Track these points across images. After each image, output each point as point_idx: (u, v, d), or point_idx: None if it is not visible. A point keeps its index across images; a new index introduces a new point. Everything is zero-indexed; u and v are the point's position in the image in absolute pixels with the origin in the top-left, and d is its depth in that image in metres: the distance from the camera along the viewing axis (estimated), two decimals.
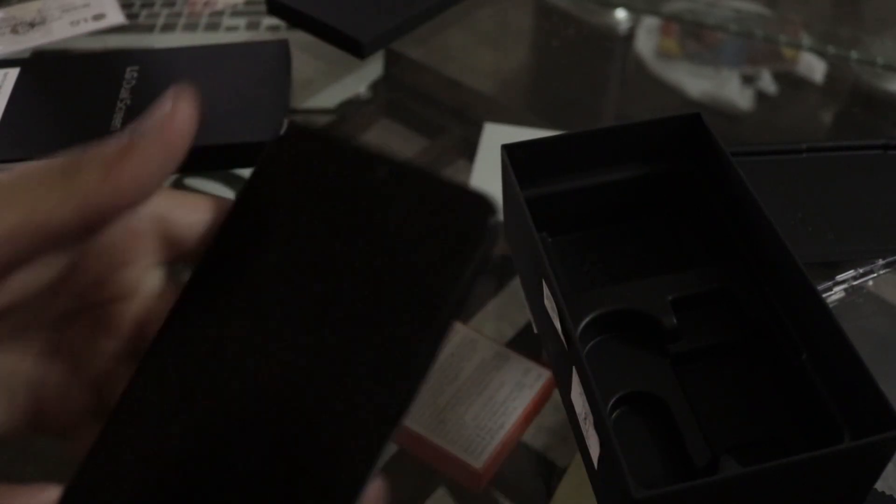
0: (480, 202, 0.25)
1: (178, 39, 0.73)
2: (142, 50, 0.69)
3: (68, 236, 0.24)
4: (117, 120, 0.58)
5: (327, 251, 0.26)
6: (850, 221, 0.51)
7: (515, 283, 0.54)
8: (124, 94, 0.60)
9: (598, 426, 0.33)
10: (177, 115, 0.24)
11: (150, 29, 0.74)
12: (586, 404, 0.35)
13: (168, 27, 0.74)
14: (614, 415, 0.39)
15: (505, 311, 0.53)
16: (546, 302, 0.39)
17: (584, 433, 0.36)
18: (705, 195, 0.46)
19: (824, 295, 0.48)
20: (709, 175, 0.46)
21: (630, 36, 0.76)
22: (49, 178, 0.24)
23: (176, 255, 0.27)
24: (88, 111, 0.59)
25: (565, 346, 0.37)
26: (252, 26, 0.74)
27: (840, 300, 0.49)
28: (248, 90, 0.61)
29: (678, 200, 0.48)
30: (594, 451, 0.34)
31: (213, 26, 0.74)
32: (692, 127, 0.46)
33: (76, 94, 0.61)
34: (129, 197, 0.24)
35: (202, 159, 0.57)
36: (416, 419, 0.45)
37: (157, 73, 0.62)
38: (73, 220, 0.24)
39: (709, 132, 0.45)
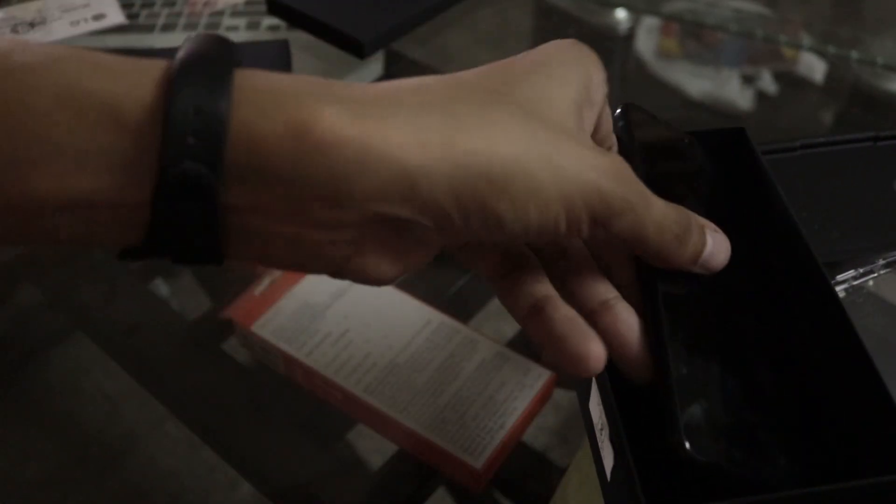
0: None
1: (178, 39, 0.73)
2: (142, 50, 0.69)
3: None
4: None
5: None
6: (851, 217, 0.51)
7: None
8: None
9: (614, 438, 0.33)
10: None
11: (150, 29, 0.74)
12: (603, 415, 0.34)
13: (168, 27, 0.74)
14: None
15: (505, 311, 0.53)
16: None
17: (599, 444, 0.36)
18: (740, 208, 0.45)
19: None
20: (746, 190, 0.45)
21: (630, 36, 0.76)
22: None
23: None
24: None
25: None
26: (252, 26, 0.74)
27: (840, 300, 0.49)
28: None
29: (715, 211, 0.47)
30: (608, 462, 0.34)
31: (213, 26, 0.74)
32: (734, 140, 0.44)
33: None
34: None
35: None
36: (416, 419, 0.45)
37: None
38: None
39: (751, 147, 0.43)
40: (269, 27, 0.73)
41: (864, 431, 0.33)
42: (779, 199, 0.41)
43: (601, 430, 0.35)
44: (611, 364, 0.38)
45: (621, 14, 0.78)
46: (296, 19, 0.70)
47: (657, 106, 0.69)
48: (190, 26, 0.74)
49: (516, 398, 0.46)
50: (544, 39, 0.31)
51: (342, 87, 0.25)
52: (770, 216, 0.43)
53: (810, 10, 0.83)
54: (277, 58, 0.64)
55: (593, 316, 0.31)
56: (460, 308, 0.52)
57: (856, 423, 0.34)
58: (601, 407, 0.35)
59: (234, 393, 0.50)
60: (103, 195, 0.23)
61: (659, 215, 0.29)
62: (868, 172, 0.53)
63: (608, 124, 0.33)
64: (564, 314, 0.29)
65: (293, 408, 0.49)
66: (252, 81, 0.25)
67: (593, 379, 0.36)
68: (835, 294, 0.36)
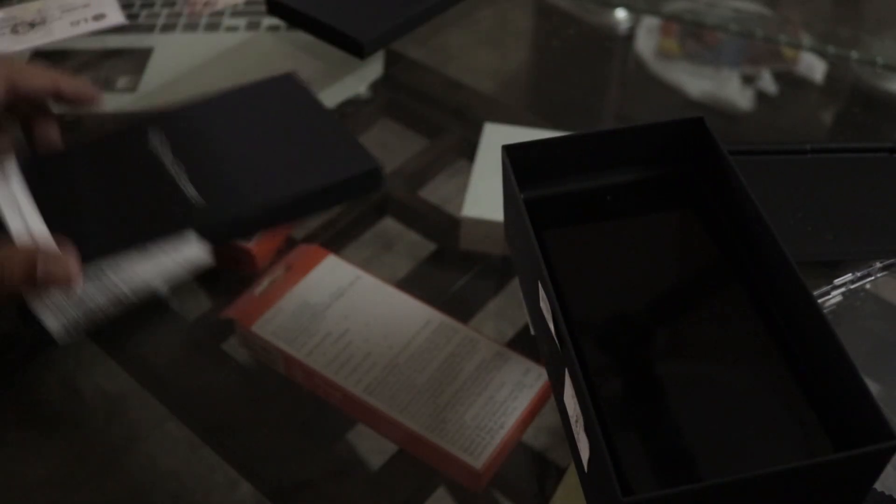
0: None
1: (178, 39, 0.73)
2: (141, 48, 0.69)
3: None
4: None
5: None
6: (850, 222, 0.51)
7: (515, 284, 0.54)
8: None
9: (589, 429, 0.33)
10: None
11: (150, 29, 0.74)
12: (577, 407, 0.35)
13: (168, 27, 0.74)
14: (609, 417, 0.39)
15: (505, 311, 0.53)
16: (542, 304, 0.39)
17: (575, 436, 0.36)
18: (706, 197, 0.46)
19: (822, 299, 0.48)
20: (710, 178, 0.46)
21: (630, 36, 0.76)
22: None
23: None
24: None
25: (558, 347, 0.37)
26: (252, 26, 0.74)
27: (838, 303, 0.49)
28: (305, 132, 0.53)
29: (679, 203, 0.48)
30: (584, 453, 0.34)
31: (213, 26, 0.74)
32: (695, 130, 0.46)
33: None
34: None
35: (305, 208, 0.50)
36: (416, 419, 0.45)
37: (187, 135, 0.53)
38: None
39: (710, 135, 0.44)
40: (269, 27, 0.73)
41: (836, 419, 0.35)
42: (740, 186, 0.42)
43: (576, 421, 0.35)
44: (582, 355, 0.39)
45: (621, 14, 0.78)
46: (296, 19, 0.70)
47: (657, 106, 0.69)
48: (190, 26, 0.74)
49: (516, 398, 0.46)
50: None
51: None
52: (732, 203, 0.44)
53: (810, 10, 0.83)
54: (294, 91, 0.56)
55: None
56: (460, 308, 0.52)
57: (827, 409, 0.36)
58: (575, 399, 0.35)
59: (234, 393, 0.50)
60: None
61: None
62: (879, 180, 0.53)
63: None
64: None
65: (293, 408, 0.49)
66: None
67: (566, 371, 0.36)
68: (804, 284, 0.37)
